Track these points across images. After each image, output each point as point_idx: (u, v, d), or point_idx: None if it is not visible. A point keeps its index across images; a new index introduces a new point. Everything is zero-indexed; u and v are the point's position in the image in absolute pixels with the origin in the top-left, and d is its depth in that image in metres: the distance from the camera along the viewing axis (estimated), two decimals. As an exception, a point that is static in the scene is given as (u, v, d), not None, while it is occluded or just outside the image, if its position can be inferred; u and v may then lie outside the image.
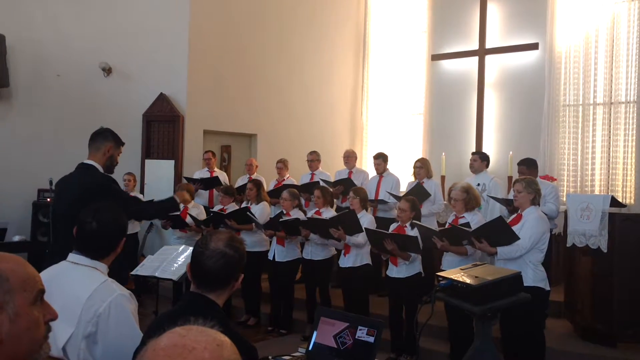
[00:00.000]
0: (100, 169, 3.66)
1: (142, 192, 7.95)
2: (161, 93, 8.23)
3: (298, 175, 7.93)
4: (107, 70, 8.28)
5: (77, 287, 2.24)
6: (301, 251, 6.26)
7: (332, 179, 7.54)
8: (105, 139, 3.70)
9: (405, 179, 7.68)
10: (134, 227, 7.36)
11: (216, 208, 7.02)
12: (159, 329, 1.08)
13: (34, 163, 7.76)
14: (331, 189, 6.80)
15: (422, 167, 6.87)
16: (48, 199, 7.22)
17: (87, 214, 2.40)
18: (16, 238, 7.15)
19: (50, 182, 5.86)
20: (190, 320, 1.04)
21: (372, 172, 7.90)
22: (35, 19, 8.02)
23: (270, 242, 6.41)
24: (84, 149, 3.72)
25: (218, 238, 2.00)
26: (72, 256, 2.38)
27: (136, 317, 2.27)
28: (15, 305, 1.20)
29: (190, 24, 8.22)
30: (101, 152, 3.67)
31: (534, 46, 8.28)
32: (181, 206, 7.05)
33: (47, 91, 8.15)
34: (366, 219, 5.67)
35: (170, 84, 8.26)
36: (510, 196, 5.52)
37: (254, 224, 6.34)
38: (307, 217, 5.99)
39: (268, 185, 7.65)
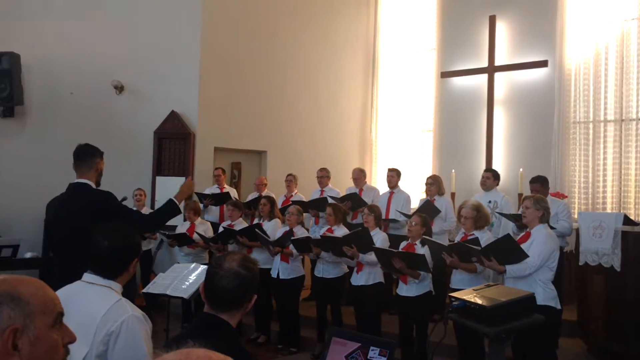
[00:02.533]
0: (94, 186, 3.71)
1: (152, 208, 7.98)
2: (172, 110, 8.30)
3: (308, 192, 7.94)
4: (119, 88, 8.38)
5: (92, 306, 2.26)
6: (312, 269, 6.25)
7: (342, 196, 7.53)
8: (93, 156, 3.74)
9: (415, 196, 7.67)
10: (147, 243, 7.40)
11: (225, 223, 7.03)
12: (156, 352, 1.09)
13: (47, 180, 7.80)
14: (342, 206, 6.80)
15: (433, 184, 6.87)
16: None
17: (100, 234, 2.42)
18: (28, 255, 7.19)
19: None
20: (193, 343, 1.05)
21: (382, 189, 7.91)
22: (49, 38, 8.15)
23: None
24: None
25: (232, 258, 2.01)
26: (86, 276, 2.40)
27: (148, 339, 2.27)
28: (36, 328, 1.21)
29: (202, 42, 8.32)
30: (93, 169, 3.71)
31: (543, 63, 8.28)
32: (188, 225, 7.12)
33: (61, 109, 8.25)
34: (379, 237, 5.65)
35: (181, 102, 8.34)
36: (520, 212, 5.50)
37: (259, 241, 6.32)
38: (320, 236, 5.99)
39: (277, 201, 7.67)
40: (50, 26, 8.17)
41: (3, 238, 7.00)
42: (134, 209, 7.50)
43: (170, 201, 3.93)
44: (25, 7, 8.15)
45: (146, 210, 7.64)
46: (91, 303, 2.28)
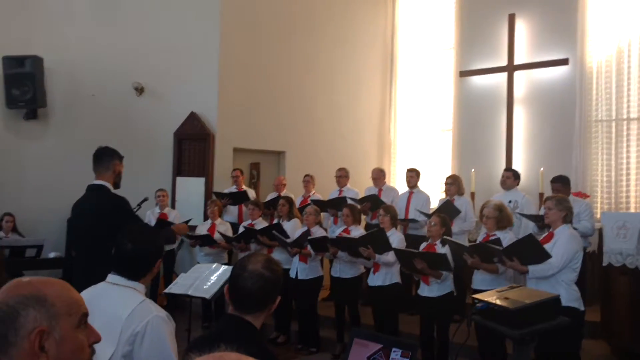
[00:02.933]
0: (111, 188, 3.78)
1: (173, 209, 8.06)
2: (192, 112, 8.37)
3: (327, 192, 7.94)
4: (140, 90, 8.46)
5: (117, 307, 2.29)
6: (330, 268, 6.26)
7: (360, 196, 7.53)
8: (111, 158, 3.81)
9: (434, 195, 7.63)
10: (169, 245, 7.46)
11: (245, 223, 7.07)
12: (189, 355, 1.10)
13: (69, 181, 7.91)
14: (359, 206, 6.80)
15: (452, 184, 6.82)
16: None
17: (124, 236, 2.46)
18: (51, 255, 7.30)
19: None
20: (218, 346, 1.05)
21: (401, 189, 7.88)
22: (71, 41, 8.27)
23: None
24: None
25: (256, 260, 2.02)
26: (110, 277, 2.43)
27: (173, 339, 2.30)
28: (61, 329, 1.23)
29: (221, 44, 8.36)
30: (110, 171, 3.78)
31: (564, 61, 8.18)
32: (209, 224, 7.17)
33: (82, 111, 8.36)
34: (396, 238, 5.64)
35: (201, 103, 8.40)
36: (542, 213, 5.44)
37: (277, 242, 6.35)
38: (336, 236, 5.99)
39: (295, 201, 7.69)
40: (71, 29, 8.28)
41: (27, 238, 7.13)
42: (155, 211, 7.58)
43: (170, 230, 4.10)
44: (47, 12, 8.28)
45: (169, 210, 7.70)
46: (116, 304, 2.31)
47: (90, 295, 2.39)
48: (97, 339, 1.34)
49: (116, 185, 3.82)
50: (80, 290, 2.49)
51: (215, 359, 0.96)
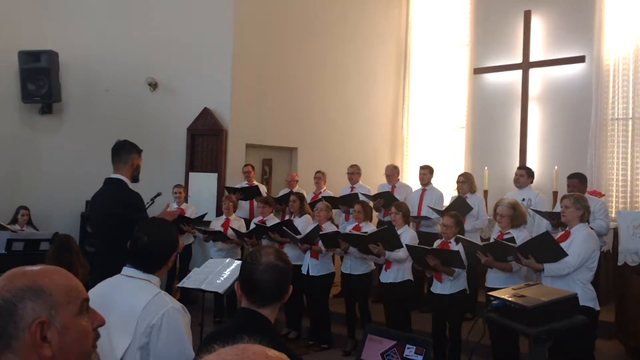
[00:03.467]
0: (128, 182, 3.79)
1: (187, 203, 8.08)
2: (205, 107, 8.39)
3: (338, 188, 7.93)
4: (153, 85, 8.50)
5: (133, 299, 2.30)
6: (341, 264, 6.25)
7: (372, 193, 7.51)
8: (129, 152, 3.81)
9: (447, 193, 7.59)
10: (187, 238, 7.49)
11: (256, 219, 7.08)
12: (212, 346, 1.09)
13: (83, 175, 8.00)
14: (371, 203, 6.78)
15: (465, 182, 6.79)
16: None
17: (140, 229, 2.47)
18: (65, 248, 7.35)
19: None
20: (242, 338, 1.05)
21: (414, 185, 7.85)
22: (86, 36, 8.32)
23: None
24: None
25: (267, 252, 2.04)
26: (126, 270, 2.44)
27: (189, 330, 2.31)
28: (62, 318, 1.21)
29: (234, 40, 8.37)
30: (128, 165, 3.79)
31: (580, 59, 8.08)
32: (223, 219, 7.18)
33: (96, 106, 8.42)
34: (408, 235, 5.62)
35: (214, 99, 8.42)
36: (557, 210, 5.39)
37: (288, 238, 6.35)
38: (346, 232, 5.98)
39: (307, 198, 7.69)
40: (87, 25, 8.34)
41: (42, 232, 7.18)
42: (173, 207, 7.57)
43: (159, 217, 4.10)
44: (63, 7, 8.34)
45: (186, 206, 7.71)
46: (132, 296, 2.33)
47: (106, 288, 2.42)
48: (102, 323, 1.32)
49: (135, 179, 3.83)
50: (97, 282, 2.53)
51: (239, 351, 0.95)
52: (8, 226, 6.99)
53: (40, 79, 7.88)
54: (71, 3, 8.38)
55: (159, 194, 5.25)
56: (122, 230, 2.57)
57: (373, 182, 8.16)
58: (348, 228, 6.50)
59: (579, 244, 4.19)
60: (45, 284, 1.22)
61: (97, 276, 2.57)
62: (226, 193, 7.70)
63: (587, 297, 4.21)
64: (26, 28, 8.05)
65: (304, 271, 6.27)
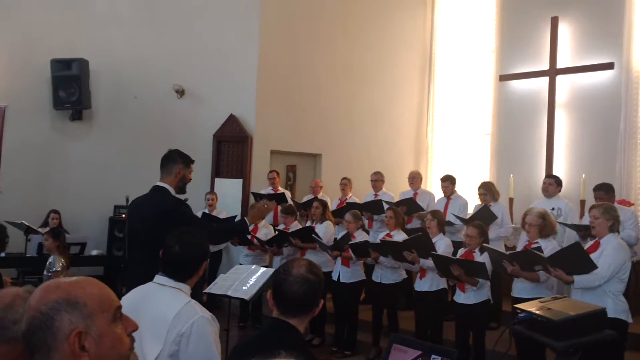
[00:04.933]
0: (172, 191, 3.80)
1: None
2: (231, 114, 8.50)
3: (362, 195, 7.94)
4: (180, 92, 8.64)
5: (164, 307, 2.35)
6: (370, 273, 6.25)
7: (396, 200, 7.49)
8: (174, 162, 3.83)
9: (472, 201, 7.54)
10: (217, 245, 7.53)
11: (281, 227, 7.13)
12: (244, 356, 1.12)
13: (112, 180, 8.17)
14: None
15: (486, 194, 6.72)
16: (123, 215, 7.56)
17: (172, 238, 2.52)
18: (94, 252, 7.51)
19: (127, 199, 6.08)
20: (279, 354, 1.07)
21: (437, 194, 7.81)
22: (116, 44, 8.50)
23: (335, 262, 6.43)
24: (158, 167, 3.87)
25: (299, 264, 2.06)
26: (158, 278, 2.50)
27: (217, 339, 2.36)
28: (98, 327, 1.26)
29: (260, 48, 8.47)
30: (172, 174, 3.81)
31: (609, 66, 7.95)
32: (251, 226, 7.24)
33: (125, 112, 8.59)
34: (443, 243, 5.57)
35: (239, 106, 8.52)
36: (585, 221, 5.31)
37: (317, 244, 6.39)
38: (379, 240, 5.97)
39: (331, 204, 7.71)
40: (116, 33, 8.52)
41: (72, 235, 7.33)
42: (207, 212, 7.66)
43: (243, 221, 4.06)
44: (93, 16, 8.53)
45: (218, 212, 7.77)
46: (163, 304, 2.38)
47: (139, 296, 2.48)
48: (135, 328, 1.36)
49: (180, 189, 3.84)
50: (133, 286, 2.58)
51: None
52: (39, 229, 7.15)
53: (71, 86, 8.07)
54: (101, 12, 8.58)
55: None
56: (159, 238, 2.61)
57: (397, 189, 8.15)
58: (377, 235, 6.50)
59: (610, 255, 4.13)
60: (80, 295, 1.27)
61: (136, 281, 2.63)
62: (252, 198, 7.77)
63: (619, 309, 4.13)
64: (58, 37, 8.25)
65: (335, 277, 6.29)
